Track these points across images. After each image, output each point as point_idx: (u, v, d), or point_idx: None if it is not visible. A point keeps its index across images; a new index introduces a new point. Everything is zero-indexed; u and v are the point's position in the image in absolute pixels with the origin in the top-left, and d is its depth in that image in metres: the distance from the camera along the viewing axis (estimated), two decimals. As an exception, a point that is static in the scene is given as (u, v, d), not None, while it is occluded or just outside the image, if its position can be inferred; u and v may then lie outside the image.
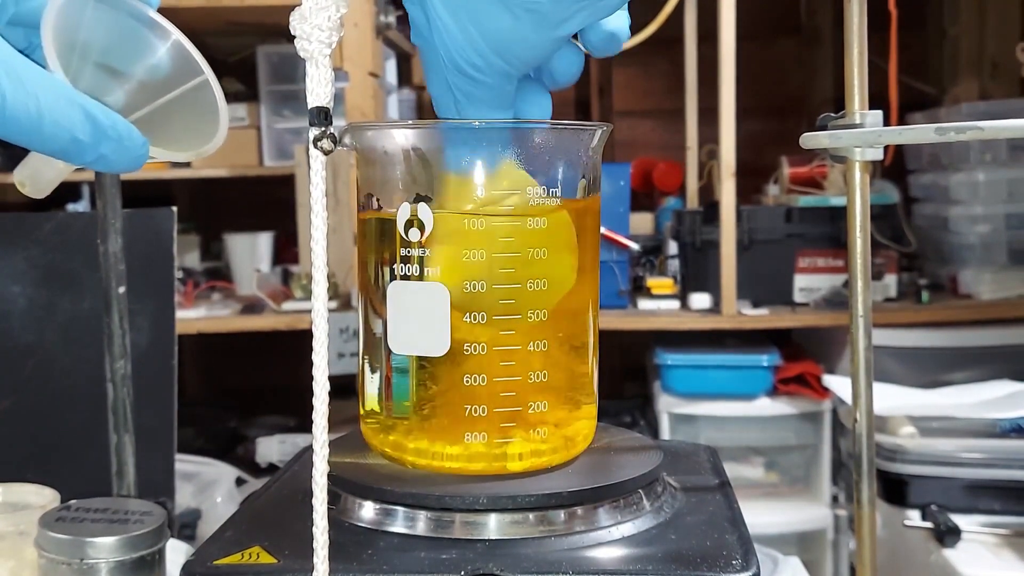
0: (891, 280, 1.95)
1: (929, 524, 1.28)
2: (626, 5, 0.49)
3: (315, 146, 0.44)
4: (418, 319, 0.49)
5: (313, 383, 0.43)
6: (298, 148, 2.05)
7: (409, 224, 0.49)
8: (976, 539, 1.24)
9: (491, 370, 0.49)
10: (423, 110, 2.53)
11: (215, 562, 0.47)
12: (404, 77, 2.46)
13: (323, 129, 0.44)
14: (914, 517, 1.33)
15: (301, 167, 1.99)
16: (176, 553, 0.68)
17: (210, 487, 1.28)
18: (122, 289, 0.81)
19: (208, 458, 1.38)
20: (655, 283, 1.99)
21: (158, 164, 2.17)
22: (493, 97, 0.48)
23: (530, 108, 0.51)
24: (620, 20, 0.49)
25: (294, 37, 0.44)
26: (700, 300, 1.93)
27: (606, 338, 0.67)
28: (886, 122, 0.51)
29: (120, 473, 0.81)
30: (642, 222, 2.15)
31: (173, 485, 0.95)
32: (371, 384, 0.53)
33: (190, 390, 2.69)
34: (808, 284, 1.94)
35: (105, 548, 0.56)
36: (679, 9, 2.02)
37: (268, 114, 2.15)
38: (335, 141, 0.44)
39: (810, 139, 0.52)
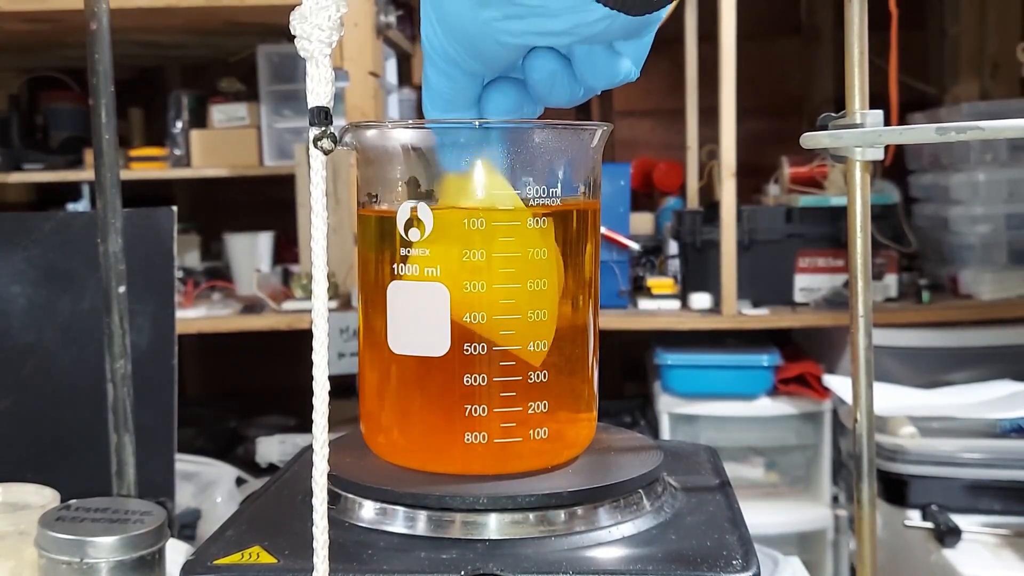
0: (891, 280, 1.95)
1: (929, 524, 1.28)
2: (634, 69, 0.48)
3: (315, 146, 0.44)
4: (418, 319, 0.49)
5: (313, 383, 0.43)
6: (298, 148, 2.05)
7: (409, 224, 0.49)
8: (976, 539, 1.24)
9: (491, 370, 0.49)
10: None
11: (215, 562, 0.47)
12: (404, 77, 2.46)
13: (323, 129, 0.44)
14: (914, 517, 1.33)
15: (301, 167, 1.99)
16: (176, 553, 0.68)
17: (210, 487, 1.27)
18: (122, 289, 0.81)
19: (208, 458, 1.37)
20: (655, 283, 1.99)
21: (158, 164, 2.17)
22: (455, 94, 0.47)
23: (490, 104, 0.49)
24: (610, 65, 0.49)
25: (294, 37, 0.44)
26: (700, 300, 1.93)
27: (606, 338, 0.67)
28: (886, 122, 0.51)
29: (120, 473, 0.81)
30: (642, 222, 2.14)
31: (173, 485, 0.95)
32: (371, 384, 0.53)
33: (190, 390, 2.69)
34: (808, 284, 1.94)
35: (105, 548, 0.57)
36: (679, 9, 2.02)
37: (268, 114, 2.14)
38: (335, 141, 0.44)
39: (810, 139, 0.52)
